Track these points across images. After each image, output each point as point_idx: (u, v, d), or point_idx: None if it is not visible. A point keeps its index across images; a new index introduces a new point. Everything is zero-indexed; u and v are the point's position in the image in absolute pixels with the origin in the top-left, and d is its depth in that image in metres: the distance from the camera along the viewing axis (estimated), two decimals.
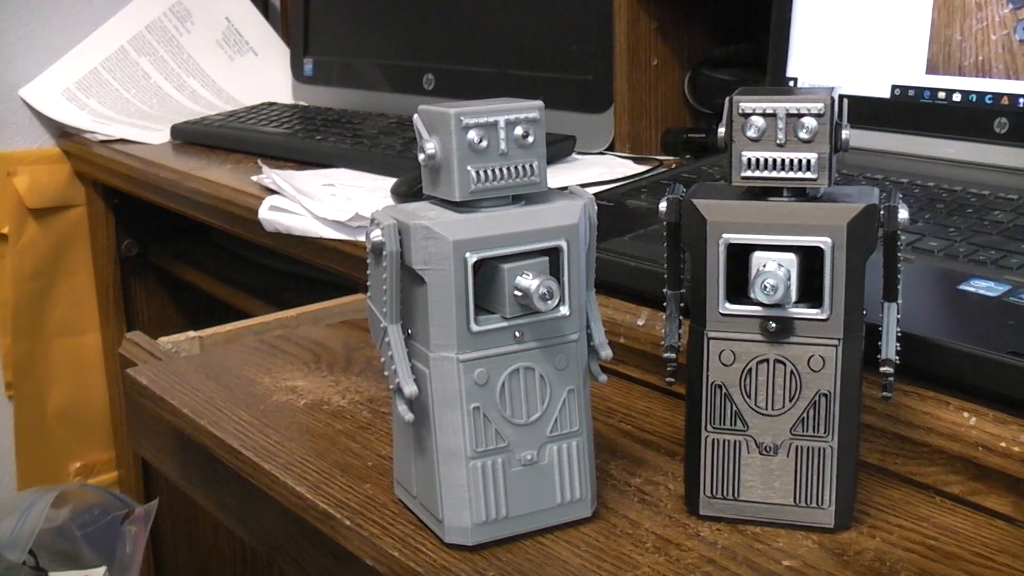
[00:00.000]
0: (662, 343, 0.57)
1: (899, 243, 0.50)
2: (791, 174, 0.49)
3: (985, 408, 0.53)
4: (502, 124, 0.50)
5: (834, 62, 0.92)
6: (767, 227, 0.49)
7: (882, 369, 0.51)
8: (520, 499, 0.51)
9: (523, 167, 0.51)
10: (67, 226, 1.51)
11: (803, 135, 0.49)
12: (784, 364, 0.51)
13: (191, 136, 1.37)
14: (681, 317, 0.56)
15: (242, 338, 0.88)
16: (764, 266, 0.49)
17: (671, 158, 1.11)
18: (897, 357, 0.51)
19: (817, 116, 0.49)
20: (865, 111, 0.89)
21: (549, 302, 0.49)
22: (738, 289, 0.51)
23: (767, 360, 0.51)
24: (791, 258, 0.49)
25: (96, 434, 1.60)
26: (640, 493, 0.56)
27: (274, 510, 0.62)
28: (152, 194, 1.26)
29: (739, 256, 0.50)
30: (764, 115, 0.49)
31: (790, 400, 0.51)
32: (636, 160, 1.09)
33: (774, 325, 0.50)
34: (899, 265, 0.51)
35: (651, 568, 0.49)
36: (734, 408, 0.52)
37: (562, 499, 0.52)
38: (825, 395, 0.50)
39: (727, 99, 0.50)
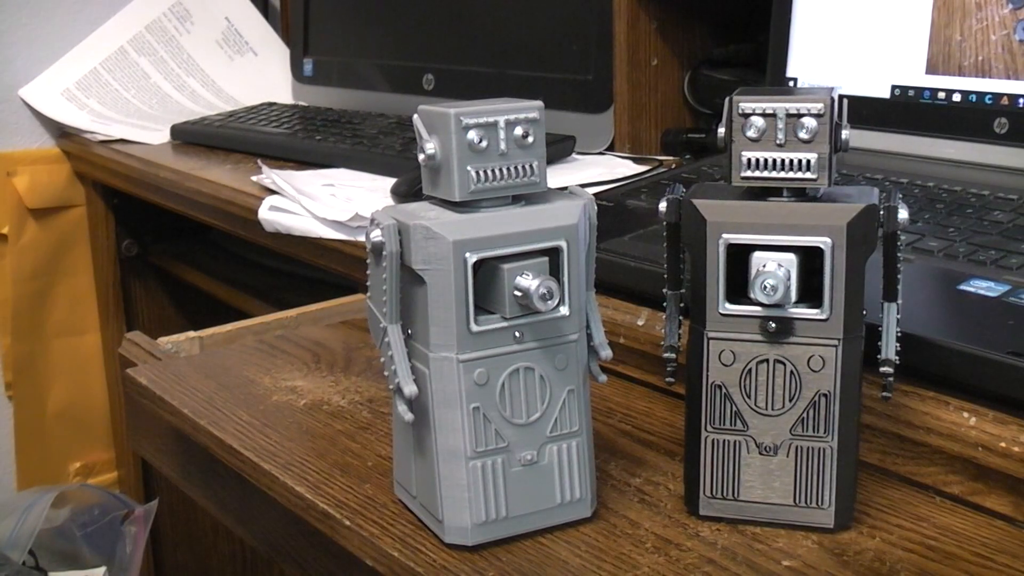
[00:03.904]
0: (662, 343, 0.57)
1: (899, 243, 0.51)
2: (791, 174, 0.49)
3: (985, 408, 0.53)
4: (502, 124, 0.50)
5: (834, 62, 0.92)
6: (767, 227, 0.49)
7: (882, 369, 0.51)
8: (520, 499, 0.51)
9: (523, 167, 0.51)
10: (67, 226, 1.51)
11: (803, 135, 0.49)
12: (784, 364, 0.51)
13: (191, 136, 1.37)
14: (681, 317, 0.56)
15: (242, 338, 0.88)
16: (764, 266, 0.49)
17: (671, 158, 1.11)
18: (897, 357, 0.51)
19: (817, 116, 0.49)
20: (865, 111, 0.89)
21: (549, 302, 0.49)
22: (738, 289, 0.51)
23: (767, 360, 0.51)
24: (791, 258, 0.49)
25: (96, 434, 1.60)
26: (640, 493, 0.56)
27: (274, 510, 0.62)
28: (152, 194, 1.26)
29: (739, 256, 0.50)
30: (764, 115, 0.49)
31: (790, 400, 0.51)
32: (636, 160, 1.09)
33: (774, 325, 0.50)
34: (899, 265, 0.51)
35: (651, 568, 0.49)
36: (734, 408, 0.52)
37: (562, 499, 0.52)
38: (825, 395, 0.50)
39: (727, 99, 0.50)
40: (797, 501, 0.52)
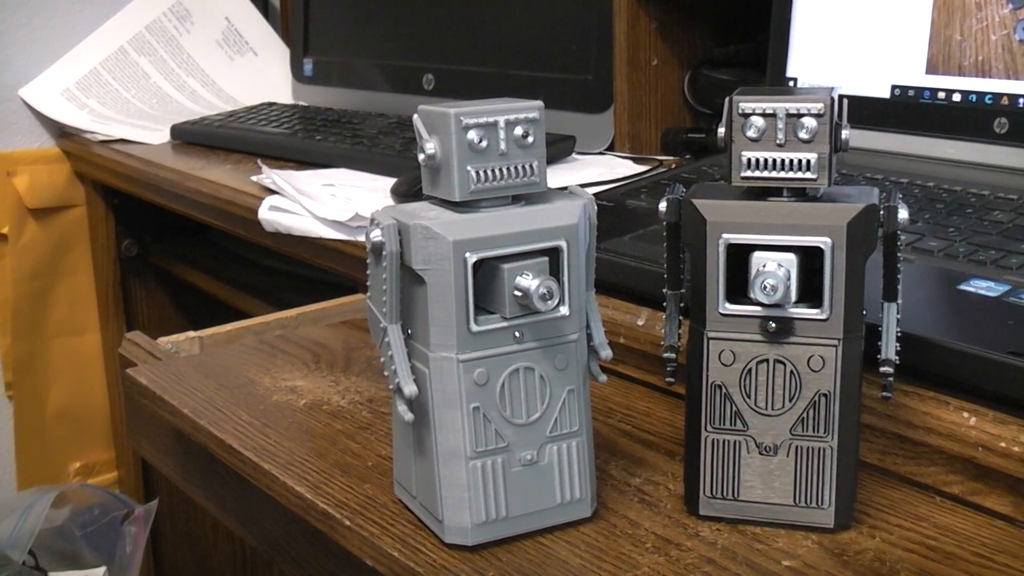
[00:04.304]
0: (662, 343, 0.57)
1: (899, 243, 0.51)
2: (791, 174, 0.49)
3: (985, 408, 0.53)
4: (502, 124, 0.50)
5: (834, 62, 0.92)
6: (767, 227, 0.49)
7: (882, 369, 0.51)
8: (520, 499, 0.51)
9: (523, 167, 0.51)
10: (67, 226, 1.51)
11: (803, 135, 0.49)
12: (784, 364, 0.51)
13: (191, 136, 1.37)
14: (681, 317, 0.56)
15: (242, 338, 0.88)
16: (764, 266, 0.49)
17: (671, 158, 1.11)
18: (897, 357, 0.51)
19: (817, 116, 0.49)
20: (865, 111, 0.89)
21: (549, 302, 0.49)
22: (738, 289, 0.51)
23: (767, 360, 0.51)
24: (791, 258, 0.49)
25: (96, 434, 1.60)
26: (640, 493, 0.56)
27: (274, 510, 0.62)
28: (152, 194, 1.26)
29: (739, 256, 0.50)
30: (764, 115, 0.49)
31: (790, 400, 0.51)
32: (636, 160, 1.09)
33: (774, 325, 0.50)
34: (899, 265, 0.51)
35: (651, 568, 0.49)
36: (734, 408, 0.52)
37: (562, 499, 0.52)
38: (825, 395, 0.50)
39: (727, 99, 0.50)
40: (797, 501, 0.52)
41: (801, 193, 0.51)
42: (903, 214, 0.50)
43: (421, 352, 0.51)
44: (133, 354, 0.82)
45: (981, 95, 0.83)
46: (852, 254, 0.49)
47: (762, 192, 0.51)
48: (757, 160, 0.50)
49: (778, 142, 0.49)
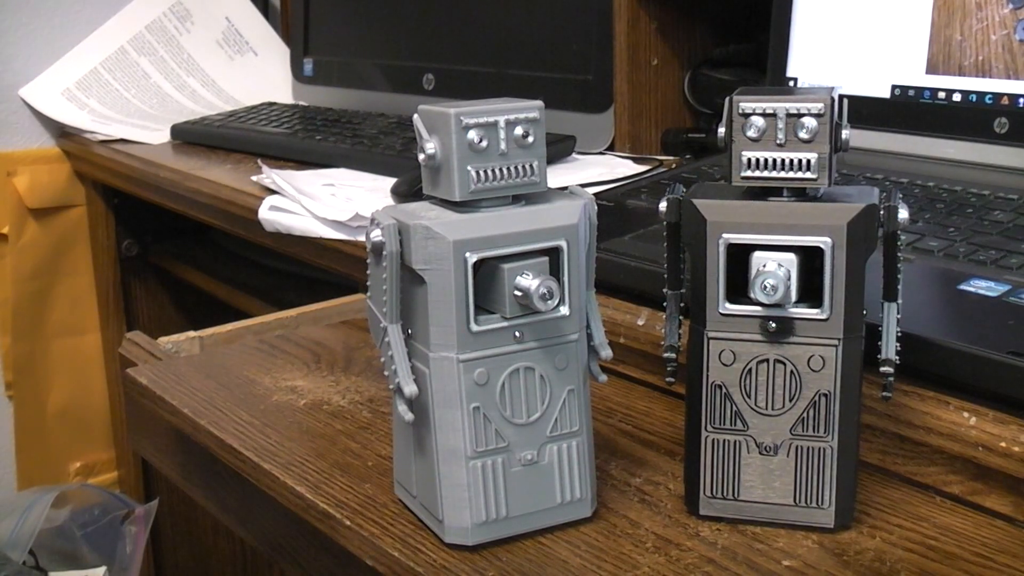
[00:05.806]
0: (662, 343, 0.57)
1: (899, 243, 0.51)
2: (791, 174, 0.49)
3: (985, 408, 0.53)
4: (502, 124, 0.50)
5: (834, 62, 0.92)
6: (767, 227, 0.49)
7: (882, 369, 0.51)
8: (520, 499, 0.51)
9: (523, 167, 0.51)
10: (67, 226, 1.52)
11: (803, 135, 0.49)
12: (784, 364, 0.51)
13: (191, 136, 1.37)
14: (681, 317, 0.56)
15: (242, 338, 0.88)
16: (764, 266, 0.49)
17: (671, 158, 1.11)
18: (897, 357, 0.51)
19: (817, 116, 0.49)
20: (865, 111, 0.89)
21: (549, 302, 0.49)
22: (738, 289, 0.51)
23: (767, 360, 0.51)
24: (791, 258, 0.49)
25: (96, 434, 1.60)
26: (640, 493, 0.56)
27: (274, 510, 0.62)
28: (152, 194, 1.26)
29: (739, 256, 0.50)
30: (764, 115, 0.49)
31: (790, 400, 0.51)
32: (636, 160, 1.09)
33: (774, 325, 0.50)
34: (899, 265, 0.51)
35: (651, 568, 0.49)
36: (734, 408, 0.52)
37: (562, 499, 0.52)
38: (825, 395, 0.50)
39: (727, 99, 0.50)
40: (797, 501, 0.52)
41: (801, 193, 0.51)
42: (903, 214, 0.50)
43: (421, 352, 0.51)
44: (133, 354, 0.82)
45: (981, 95, 0.83)
46: (852, 254, 0.49)
47: (762, 192, 0.51)
48: (757, 160, 0.50)
49: (778, 142, 0.49)
